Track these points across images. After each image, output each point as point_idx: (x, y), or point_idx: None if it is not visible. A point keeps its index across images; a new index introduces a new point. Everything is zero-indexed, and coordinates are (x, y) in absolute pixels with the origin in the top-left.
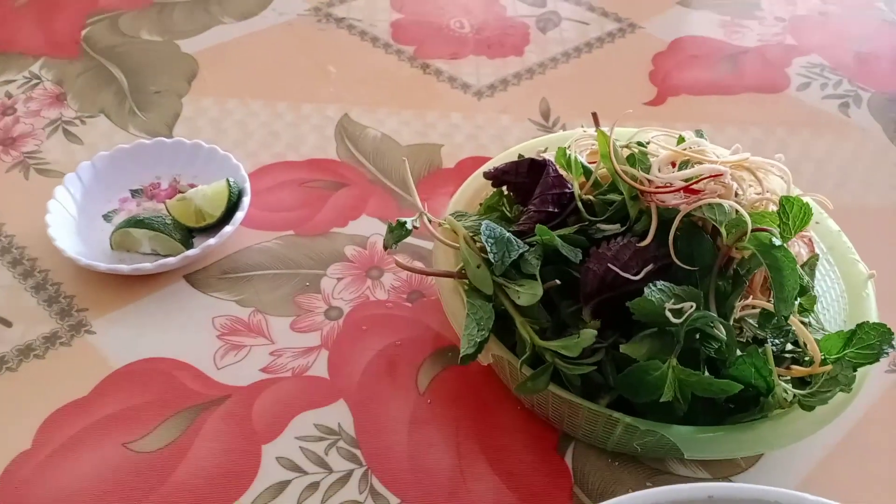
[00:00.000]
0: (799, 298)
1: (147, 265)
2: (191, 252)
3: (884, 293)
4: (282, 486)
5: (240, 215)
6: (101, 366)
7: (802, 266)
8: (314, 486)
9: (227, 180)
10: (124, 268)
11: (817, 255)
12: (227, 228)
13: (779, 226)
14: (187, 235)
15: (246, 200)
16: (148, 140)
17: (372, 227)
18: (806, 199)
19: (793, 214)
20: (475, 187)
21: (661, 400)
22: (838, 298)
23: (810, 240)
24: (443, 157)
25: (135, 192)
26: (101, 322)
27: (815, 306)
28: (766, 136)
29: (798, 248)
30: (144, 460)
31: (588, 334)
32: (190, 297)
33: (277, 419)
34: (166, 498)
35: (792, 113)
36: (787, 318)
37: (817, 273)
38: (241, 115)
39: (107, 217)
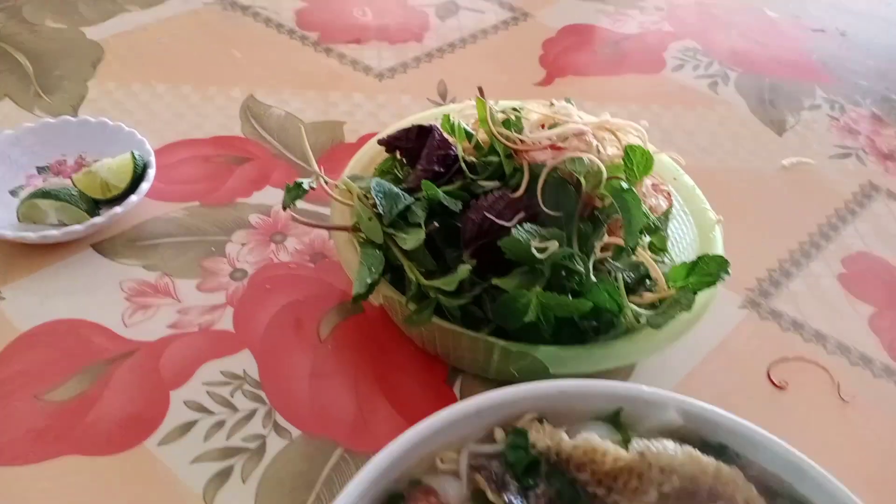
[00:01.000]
0: (649, 236)
1: (54, 232)
2: (97, 219)
3: (731, 238)
4: (189, 425)
5: (145, 186)
6: (7, 329)
7: (660, 215)
8: (220, 425)
9: (132, 153)
10: (31, 235)
11: (672, 204)
12: (133, 198)
13: (625, 171)
14: (94, 207)
15: (151, 172)
16: (53, 119)
17: (276, 197)
18: (662, 155)
19: (636, 161)
20: (370, 154)
21: (526, 320)
22: (692, 243)
23: (668, 193)
24: (345, 133)
25: (41, 170)
26: (8, 289)
27: (666, 245)
28: (642, 112)
29: (658, 201)
30: (55, 409)
31: (464, 269)
32: (98, 265)
33: (184, 368)
34: (77, 442)
35: (666, 91)
36: (634, 249)
37: (675, 222)
38: (147, 97)
39: (13, 192)
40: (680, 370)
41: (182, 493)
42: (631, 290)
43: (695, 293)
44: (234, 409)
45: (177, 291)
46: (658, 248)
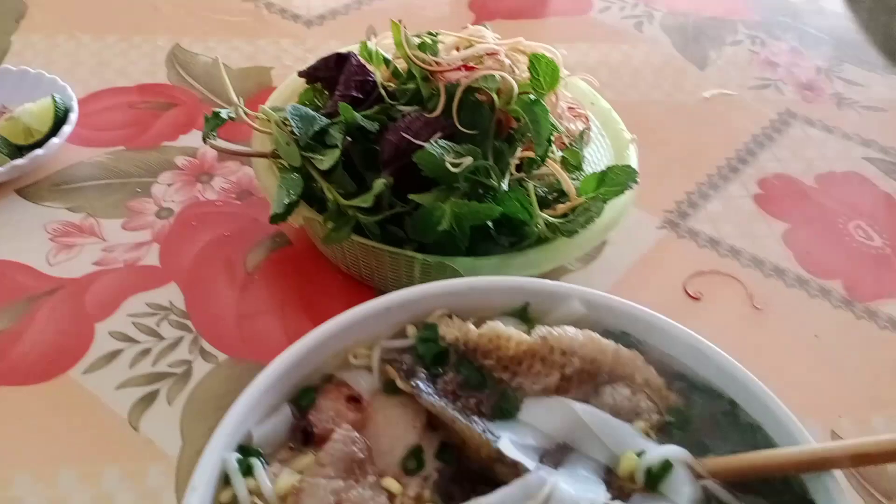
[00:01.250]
0: (561, 152)
1: None
2: (18, 161)
3: (651, 164)
4: (114, 354)
5: (67, 129)
6: None
7: (576, 136)
8: (146, 352)
9: (53, 96)
10: None
11: (589, 126)
12: (55, 140)
13: (531, 81)
14: (16, 152)
15: (73, 116)
16: None
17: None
18: (578, 81)
19: (542, 70)
20: (292, 88)
21: (440, 229)
22: (609, 164)
23: (585, 117)
24: (272, 77)
25: None
26: None
27: (581, 163)
28: (570, 51)
29: (575, 125)
30: None
31: (378, 183)
32: (22, 209)
33: (110, 302)
34: (2, 374)
35: (593, 31)
36: (544, 159)
37: (594, 146)
38: (71, 48)
39: None
40: (598, 287)
41: (108, 416)
42: (546, 204)
43: (605, 202)
44: (159, 337)
45: (102, 231)
46: (572, 166)
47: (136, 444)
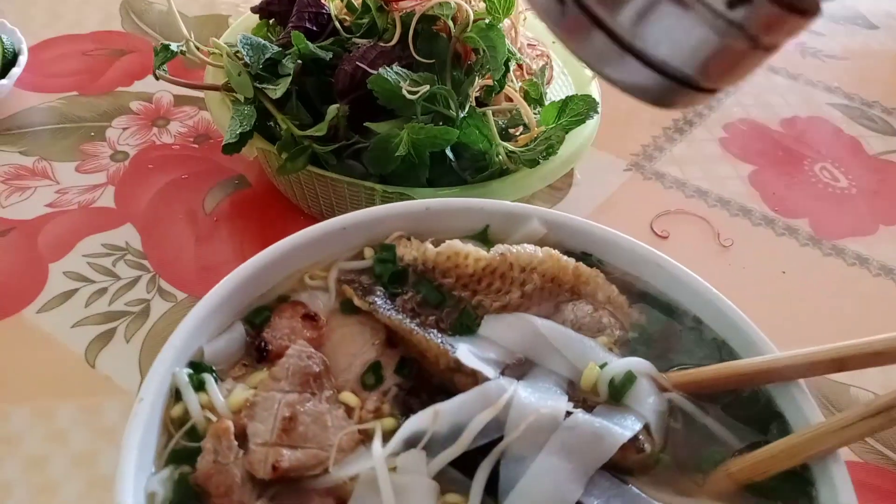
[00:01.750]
0: (520, 83)
1: None
2: None
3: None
4: (69, 293)
5: (16, 71)
6: None
7: (537, 70)
8: (102, 291)
9: (0, 37)
10: None
11: (549, 61)
12: (3, 82)
13: (487, 6)
14: None
15: (23, 59)
16: None
17: (159, 86)
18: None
19: None
20: (245, 25)
21: (397, 155)
22: None
23: (548, 55)
24: (230, 25)
25: None
26: None
27: (541, 95)
28: None
29: (537, 63)
30: None
31: (332, 109)
32: None
33: (64, 242)
34: None
35: None
36: (502, 85)
37: (557, 84)
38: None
39: None
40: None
41: (63, 354)
42: (507, 138)
43: (566, 131)
44: (116, 277)
45: (55, 174)
46: (533, 99)
47: (92, 381)
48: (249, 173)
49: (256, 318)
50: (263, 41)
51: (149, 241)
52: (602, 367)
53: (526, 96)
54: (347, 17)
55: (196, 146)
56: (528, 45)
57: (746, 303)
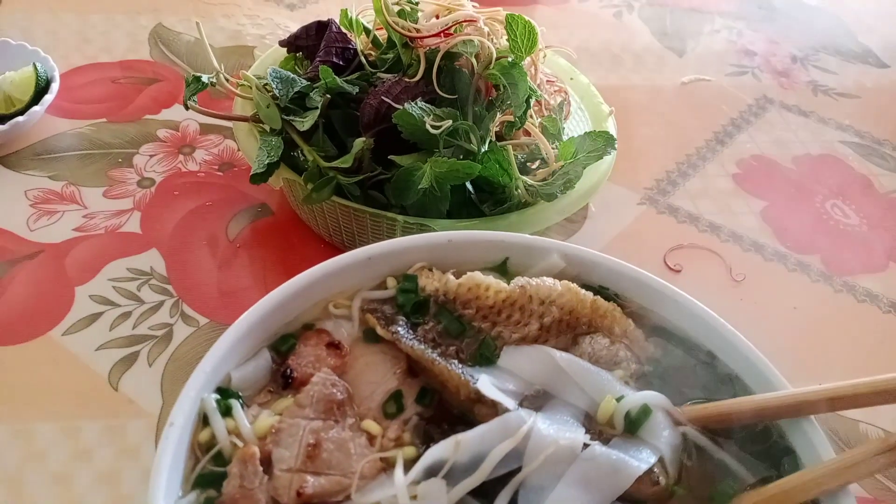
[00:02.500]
0: (540, 119)
1: None
2: (0, 127)
3: (631, 145)
4: (94, 316)
5: (49, 98)
6: None
7: (555, 106)
8: (126, 315)
9: (34, 64)
10: None
11: (568, 99)
12: (36, 108)
13: (509, 43)
14: None
15: (55, 86)
16: None
17: (185, 114)
18: (557, 57)
19: (519, 32)
20: (273, 58)
21: (420, 187)
22: None
23: (565, 91)
24: (255, 57)
25: None
26: None
27: (559, 130)
28: (551, 35)
29: (555, 99)
30: None
31: (358, 142)
32: (2, 176)
33: (90, 266)
34: None
35: (575, 19)
36: (523, 121)
37: (574, 120)
38: (53, 26)
39: None
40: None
41: (87, 375)
42: (526, 172)
43: (584, 167)
44: (140, 301)
45: (83, 198)
46: (552, 135)
47: (115, 403)
48: (272, 201)
49: (282, 346)
50: (292, 75)
51: (173, 267)
52: (619, 399)
53: (544, 131)
54: (373, 52)
55: (220, 174)
56: (547, 81)
57: (759, 338)
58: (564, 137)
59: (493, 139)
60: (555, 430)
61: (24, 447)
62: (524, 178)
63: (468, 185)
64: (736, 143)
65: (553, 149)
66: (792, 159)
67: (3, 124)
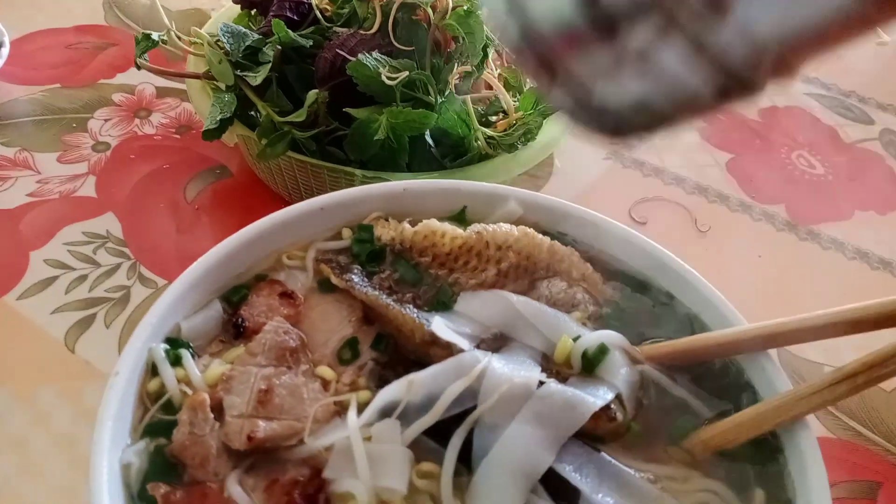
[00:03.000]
0: (498, 69)
1: None
2: None
3: None
4: (49, 280)
5: None
6: None
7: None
8: (82, 278)
9: None
10: None
11: None
12: None
13: None
14: None
15: (4, 50)
16: None
17: (141, 77)
18: None
19: None
20: (227, 16)
21: (376, 138)
22: None
23: None
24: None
25: None
26: None
27: (522, 84)
28: None
29: None
30: None
31: (311, 95)
32: None
33: (45, 231)
34: None
35: None
36: (480, 70)
37: None
38: None
39: None
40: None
41: (43, 340)
42: (485, 125)
43: (544, 117)
44: (96, 264)
45: (36, 164)
46: (512, 86)
47: (72, 365)
48: (231, 163)
49: (234, 297)
50: (244, 29)
51: (130, 230)
52: (575, 339)
53: (505, 84)
54: (328, 7)
55: (178, 137)
56: None
57: (723, 285)
58: (526, 90)
59: (453, 91)
60: (510, 369)
61: None
62: (484, 129)
63: (428, 138)
64: None
65: (514, 101)
66: (758, 112)
67: None
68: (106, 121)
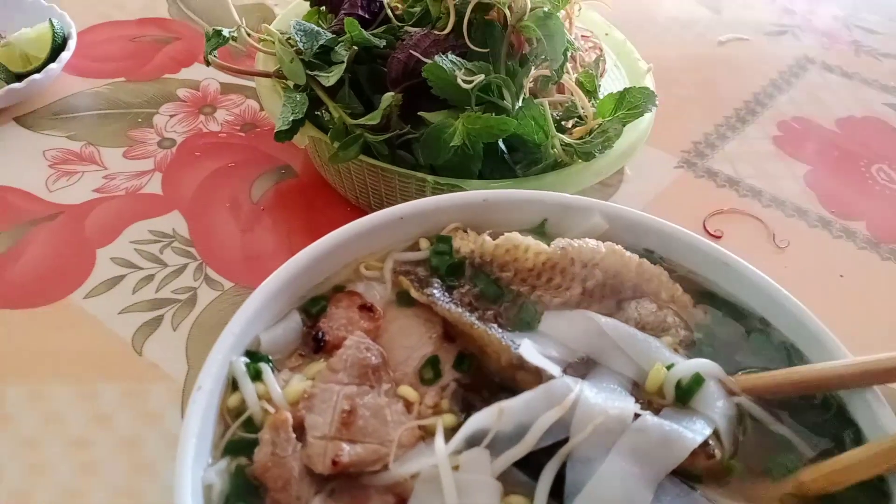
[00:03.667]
0: (576, 74)
1: None
2: (15, 85)
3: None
4: (117, 279)
5: (66, 55)
6: None
7: (590, 63)
8: (149, 278)
9: (50, 20)
10: None
11: (602, 54)
12: (53, 66)
13: None
14: (14, 79)
15: (72, 43)
16: None
17: (205, 73)
18: (592, 12)
19: None
20: (296, 12)
21: (452, 145)
22: None
23: (600, 47)
24: (276, 14)
25: None
26: None
27: (596, 87)
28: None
29: (590, 55)
30: None
31: (386, 98)
32: (19, 136)
33: (112, 228)
34: (2, 296)
35: None
36: (560, 75)
37: (609, 78)
38: None
39: None
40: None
41: (110, 340)
42: (562, 130)
43: (623, 124)
44: (163, 264)
45: (102, 159)
46: (588, 90)
47: (139, 367)
48: (296, 163)
49: (313, 308)
50: (317, 28)
51: (195, 229)
52: (669, 368)
53: (580, 87)
54: (400, 5)
55: (242, 134)
56: (582, 36)
57: (806, 306)
58: (601, 96)
59: (528, 95)
60: (603, 399)
61: (44, 410)
62: (561, 136)
63: (501, 145)
64: (776, 104)
65: (590, 106)
66: (835, 122)
67: (20, 82)
68: (171, 116)
